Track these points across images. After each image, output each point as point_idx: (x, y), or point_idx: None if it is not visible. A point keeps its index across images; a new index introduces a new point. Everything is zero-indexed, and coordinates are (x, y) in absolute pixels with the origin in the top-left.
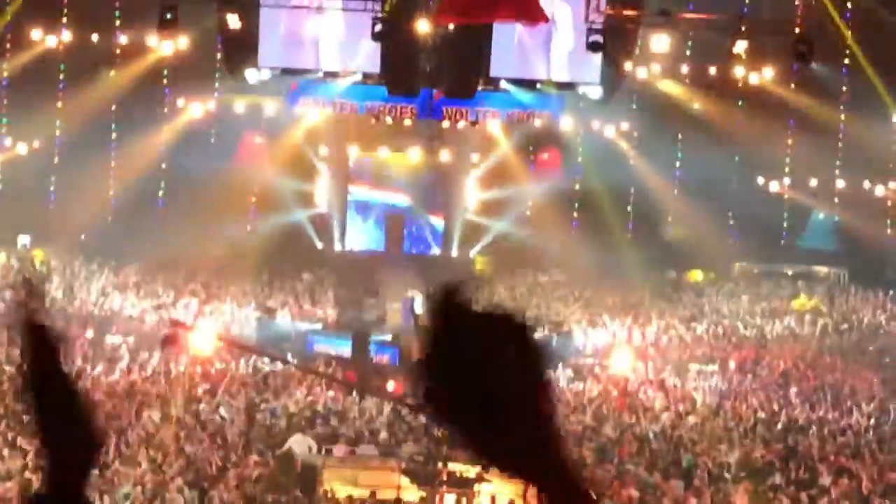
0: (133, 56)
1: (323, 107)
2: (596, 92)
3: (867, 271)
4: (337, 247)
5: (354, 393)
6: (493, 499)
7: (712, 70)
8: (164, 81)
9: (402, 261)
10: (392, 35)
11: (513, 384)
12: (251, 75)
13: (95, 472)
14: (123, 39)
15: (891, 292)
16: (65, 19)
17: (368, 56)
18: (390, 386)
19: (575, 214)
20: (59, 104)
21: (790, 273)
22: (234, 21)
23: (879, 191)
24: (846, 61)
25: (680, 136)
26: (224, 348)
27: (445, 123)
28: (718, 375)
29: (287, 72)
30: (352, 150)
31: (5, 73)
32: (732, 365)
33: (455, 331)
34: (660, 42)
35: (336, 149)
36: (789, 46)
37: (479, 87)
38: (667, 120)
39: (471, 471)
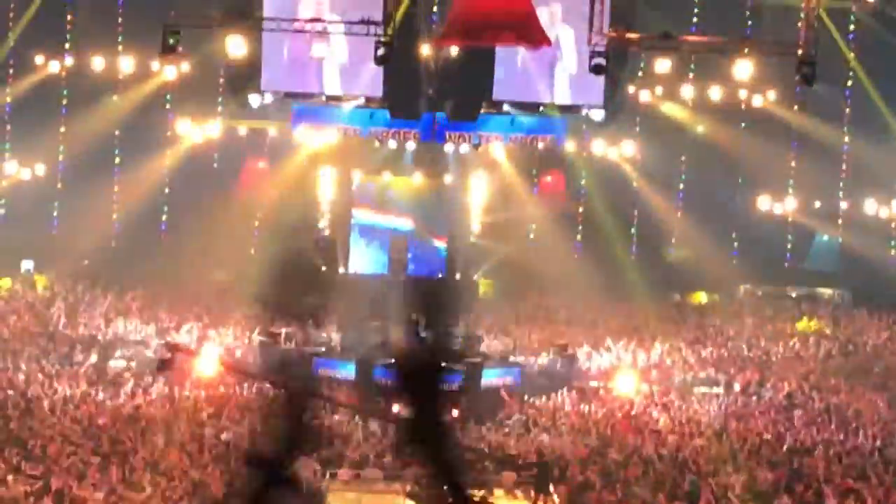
0: (136, 81)
1: (326, 131)
2: (599, 114)
3: (871, 293)
4: (341, 270)
5: (359, 416)
6: None
7: (715, 92)
8: (167, 106)
9: (405, 284)
10: (395, 59)
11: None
12: (254, 100)
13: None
14: (126, 64)
15: (895, 314)
16: (67, 44)
17: (371, 80)
18: (395, 408)
19: (578, 237)
20: (63, 129)
21: (794, 295)
22: (236, 45)
23: (883, 212)
24: (849, 83)
25: (683, 157)
26: (226, 372)
27: (448, 147)
28: (723, 397)
29: (290, 96)
30: (355, 173)
31: (8, 99)
32: (737, 387)
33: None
34: (662, 64)
35: (339, 172)
36: (792, 68)
37: (482, 111)
38: (670, 142)
39: (476, 494)
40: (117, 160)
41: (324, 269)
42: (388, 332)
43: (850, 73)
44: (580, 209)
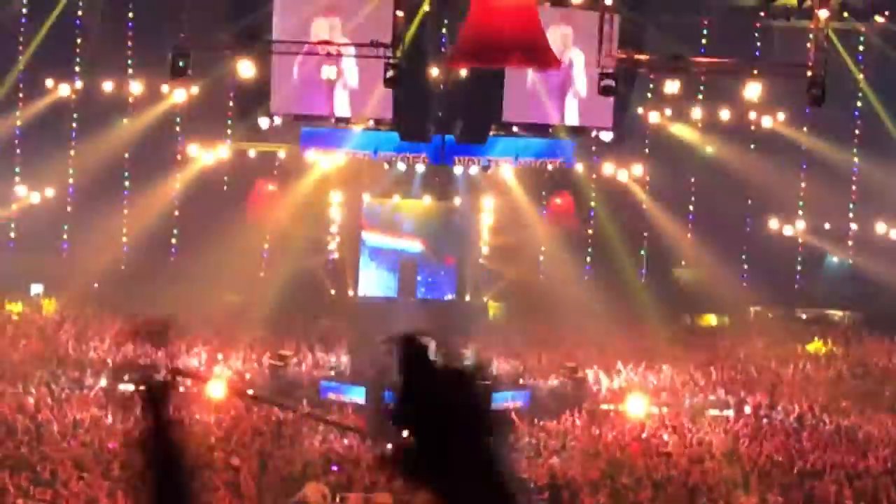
0: (145, 104)
1: (335, 154)
2: (608, 136)
3: (882, 315)
4: (350, 293)
5: (369, 440)
6: None
7: (725, 113)
8: (177, 129)
9: (415, 307)
10: (404, 81)
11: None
12: (263, 122)
13: None
14: (136, 87)
15: None
16: (77, 68)
17: (381, 102)
18: (405, 432)
19: (588, 259)
20: (72, 153)
21: (805, 317)
22: (246, 68)
23: (894, 234)
24: (859, 104)
25: (693, 179)
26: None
27: (458, 169)
28: (734, 420)
29: (300, 118)
30: (364, 196)
31: (19, 122)
32: (748, 409)
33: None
34: (671, 86)
35: (349, 195)
36: (801, 89)
37: (492, 133)
38: (679, 163)
39: None
40: (127, 183)
41: (333, 292)
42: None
43: (860, 94)
44: (590, 231)
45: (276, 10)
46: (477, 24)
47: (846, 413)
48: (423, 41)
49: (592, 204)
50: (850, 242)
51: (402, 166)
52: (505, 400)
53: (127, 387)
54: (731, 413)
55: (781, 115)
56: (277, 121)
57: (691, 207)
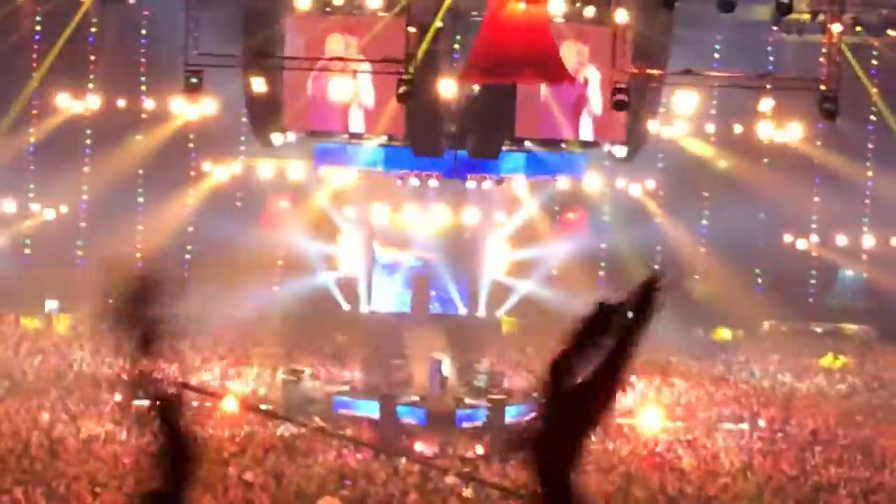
0: (159, 120)
1: (348, 170)
2: (621, 151)
3: None
4: (363, 308)
5: (382, 455)
6: None
7: (738, 128)
8: (190, 145)
9: (428, 322)
10: (417, 97)
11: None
12: (277, 139)
13: None
14: (149, 104)
15: None
16: (91, 85)
17: (393, 118)
18: (418, 447)
19: (601, 273)
20: (86, 169)
21: (819, 331)
22: (259, 85)
23: None
24: (872, 118)
25: (706, 194)
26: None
27: (471, 184)
28: (748, 434)
29: (313, 134)
30: (377, 211)
31: (32, 139)
32: (762, 423)
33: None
34: (685, 100)
35: (362, 210)
36: (815, 103)
37: (504, 148)
38: (693, 178)
39: None
40: (141, 199)
41: (346, 307)
42: (411, 371)
43: (873, 108)
44: (603, 246)
45: (288, 27)
46: (489, 39)
47: (861, 427)
48: (435, 57)
49: (606, 218)
50: (863, 256)
51: (414, 181)
52: (519, 414)
53: (142, 402)
54: (745, 427)
55: (794, 130)
56: (290, 137)
57: (704, 221)
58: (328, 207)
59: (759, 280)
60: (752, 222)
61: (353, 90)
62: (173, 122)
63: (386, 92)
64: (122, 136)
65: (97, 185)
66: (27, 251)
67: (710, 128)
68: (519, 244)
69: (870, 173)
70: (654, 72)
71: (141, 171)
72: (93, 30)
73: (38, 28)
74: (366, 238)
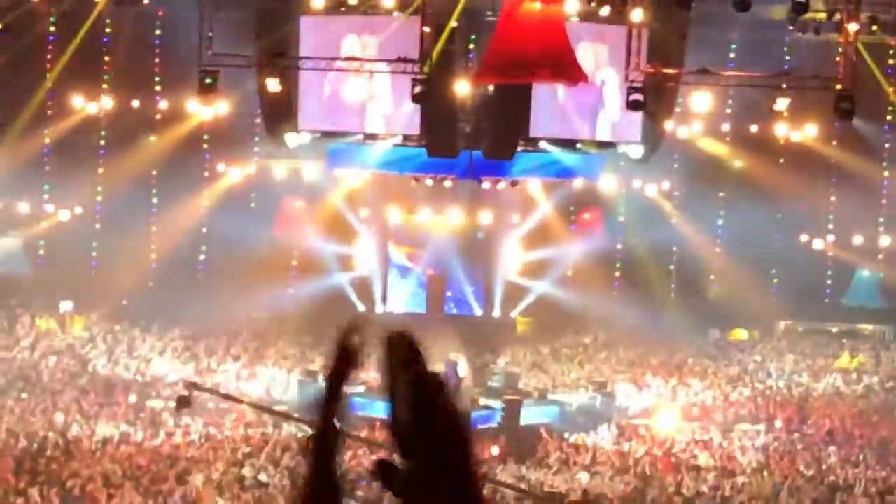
0: (173, 121)
1: (362, 170)
2: (637, 151)
3: None
4: (378, 309)
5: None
6: None
7: (754, 128)
8: (205, 146)
9: (443, 323)
10: (432, 97)
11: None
12: (291, 139)
13: None
14: (164, 105)
15: None
16: (105, 86)
17: (408, 118)
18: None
19: (617, 274)
20: (101, 170)
21: (835, 331)
22: (273, 85)
23: None
24: (889, 117)
25: (722, 194)
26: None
27: (486, 184)
28: (764, 435)
29: (327, 135)
30: (392, 212)
31: (47, 140)
32: (778, 424)
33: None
34: (700, 100)
35: (376, 211)
36: (831, 103)
37: (519, 148)
38: (708, 178)
39: None
40: (155, 200)
41: (361, 308)
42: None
43: (890, 108)
44: (618, 246)
45: (303, 28)
46: (504, 39)
47: (877, 427)
48: (450, 57)
49: (621, 218)
50: (879, 256)
51: (429, 182)
52: (534, 415)
53: (156, 403)
54: (761, 427)
55: (811, 129)
56: (305, 138)
57: (720, 222)
58: (342, 208)
59: (775, 280)
60: (767, 222)
61: (370, 90)
62: (187, 123)
63: (401, 92)
64: (137, 137)
65: (111, 186)
66: (42, 252)
67: (726, 127)
68: (534, 245)
69: (886, 173)
70: (670, 71)
71: (155, 172)
72: (107, 31)
73: (52, 29)
74: (380, 239)
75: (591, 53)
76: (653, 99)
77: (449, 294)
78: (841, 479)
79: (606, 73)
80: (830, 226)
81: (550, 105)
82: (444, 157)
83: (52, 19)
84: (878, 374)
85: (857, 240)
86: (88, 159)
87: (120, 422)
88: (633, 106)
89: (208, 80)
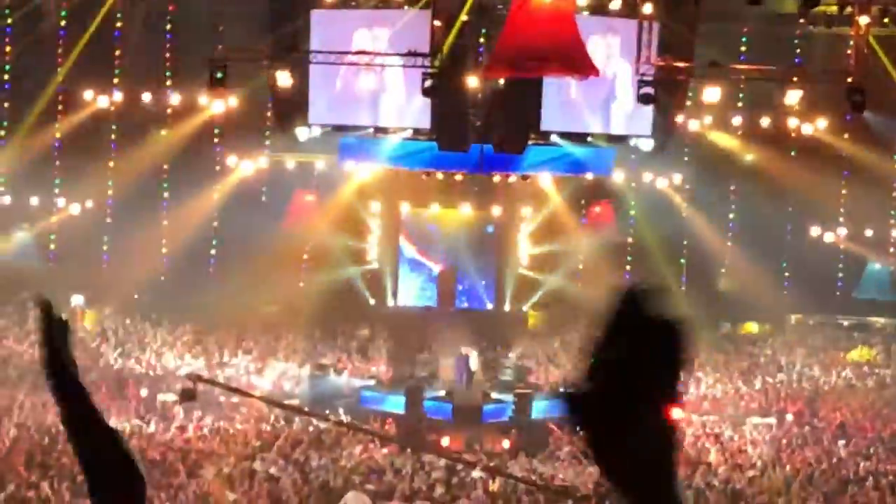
0: (184, 115)
1: (373, 164)
2: (648, 144)
3: None
4: (389, 303)
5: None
6: None
7: (765, 121)
8: (215, 140)
9: (454, 316)
10: (442, 90)
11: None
12: (302, 133)
13: None
14: (174, 99)
15: None
16: (116, 80)
17: (419, 111)
18: (444, 441)
19: (628, 267)
20: (111, 164)
21: (846, 324)
22: (284, 79)
23: None
24: None
25: (733, 187)
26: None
27: (496, 178)
28: (775, 428)
29: (338, 129)
30: (403, 206)
31: (58, 134)
32: (789, 417)
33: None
34: (711, 93)
35: (387, 205)
36: (842, 96)
37: (530, 142)
38: (719, 171)
39: None
40: (166, 194)
41: (372, 301)
42: (437, 365)
43: None
44: (629, 239)
45: (314, 21)
46: (515, 33)
47: (888, 420)
48: (461, 50)
49: (632, 212)
50: (891, 249)
51: (440, 176)
52: (546, 408)
53: (167, 397)
54: (772, 421)
55: (822, 122)
56: (316, 131)
57: (731, 215)
58: (353, 202)
59: (787, 273)
60: (778, 215)
61: (382, 84)
62: (198, 117)
63: (411, 86)
64: (147, 131)
65: (122, 180)
66: (53, 246)
67: (737, 121)
68: (544, 238)
69: None
70: (681, 65)
71: (166, 166)
72: (118, 24)
73: (63, 23)
74: (391, 233)
75: (602, 47)
76: (664, 92)
77: (460, 288)
78: (852, 472)
79: (618, 66)
80: (841, 219)
81: (561, 99)
82: (455, 151)
83: (62, 13)
84: (890, 367)
85: (869, 233)
86: (99, 153)
87: (131, 415)
88: (643, 99)
89: (219, 75)
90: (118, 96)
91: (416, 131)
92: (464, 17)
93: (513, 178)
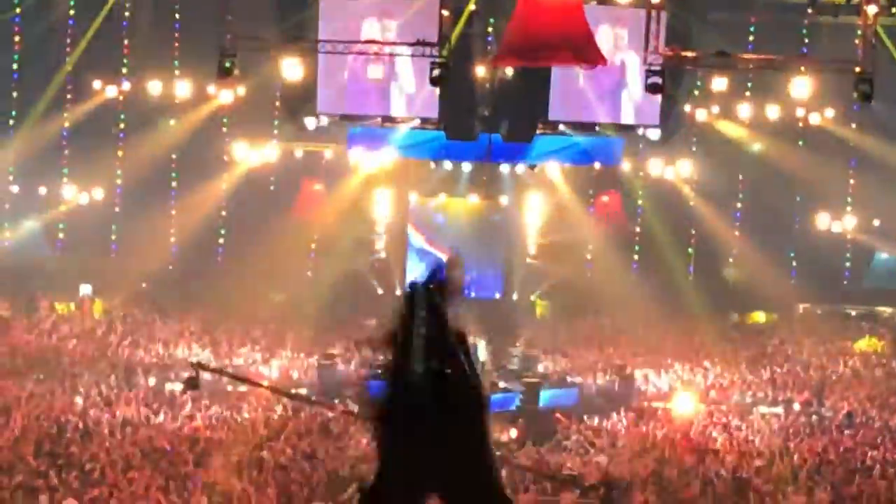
0: (192, 105)
1: (381, 153)
2: (655, 133)
3: None
4: (397, 292)
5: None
6: None
7: (772, 110)
8: (224, 129)
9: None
10: (450, 80)
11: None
12: (310, 122)
13: None
14: (183, 88)
15: None
16: (124, 69)
17: (427, 101)
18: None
19: (635, 257)
20: (120, 154)
21: (854, 314)
22: (292, 68)
23: None
24: None
25: (740, 176)
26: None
27: (504, 168)
28: (782, 417)
29: (346, 118)
30: (411, 195)
31: (66, 124)
32: (797, 406)
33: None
34: (719, 83)
35: (395, 194)
36: (850, 85)
37: (538, 131)
38: (727, 161)
39: None
40: (174, 184)
41: (380, 291)
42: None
43: None
44: (637, 229)
45: (322, 10)
46: (523, 22)
47: (895, 409)
48: (469, 40)
49: (640, 202)
50: None
51: (448, 165)
52: (553, 398)
53: (175, 386)
54: (779, 410)
55: (829, 112)
56: (324, 121)
57: (739, 205)
58: (362, 191)
59: (794, 263)
60: (786, 205)
61: (391, 73)
62: (207, 106)
63: (419, 76)
64: (156, 121)
65: (131, 170)
66: (61, 236)
67: (745, 110)
68: (552, 228)
69: None
70: (689, 54)
71: (174, 156)
72: (126, 14)
73: (71, 12)
74: (399, 222)
75: (611, 36)
76: (671, 82)
77: (467, 277)
78: (860, 461)
79: (627, 55)
80: (849, 208)
81: (569, 88)
82: (463, 141)
83: (71, 2)
84: None
85: (876, 222)
86: (108, 143)
87: (139, 405)
88: (651, 89)
89: (227, 64)
90: (126, 86)
91: (424, 121)
92: (472, 7)
93: (520, 168)
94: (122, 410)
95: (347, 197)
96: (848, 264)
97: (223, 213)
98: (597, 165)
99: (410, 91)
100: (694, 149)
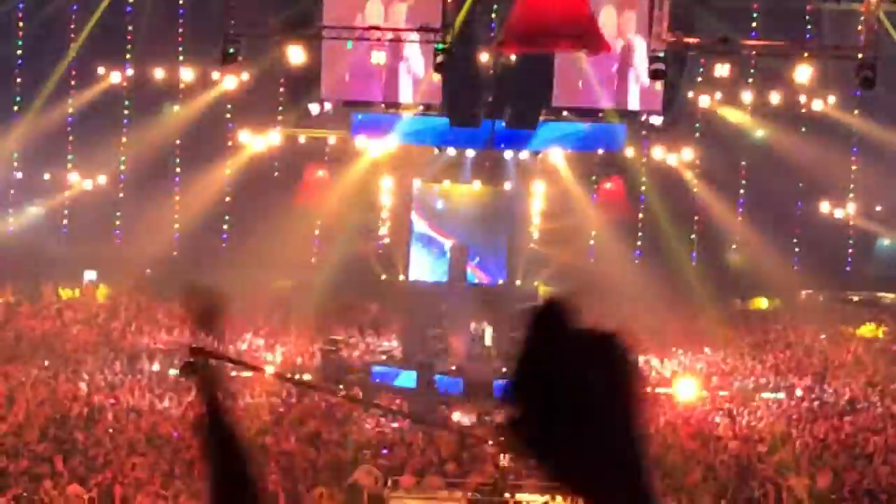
0: (196, 91)
1: (385, 139)
2: (658, 119)
3: None
4: (401, 278)
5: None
6: None
7: (775, 96)
8: (228, 115)
9: (465, 291)
10: (454, 66)
11: (605, 404)
12: (314, 108)
13: None
14: (187, 74)
15: None
16: (128, 55)
17: (430, 87)
18: (455, 416)
19: (639, 243)
20: (124, 139)
21: (856, 300)
22: (296, 54)
23: None
24: None
25: (743, 162)
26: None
27: (508, 154)
28: (785, 403)
29: (350, 104)
30: (415, 181)
31: (71, 110)
32: (799, 392)
33: (553, 349)
34: (722, 69)
35: (399, 180)
36: (852, 72)
37: (541, 118)
38: (730, 147)
39: (538, 500)
40: (178, 170)
41: (384, 277)
42: (449, 340)
43: None
44: (640, 215)
45: None
46: (526, 8)
47: None
48: (472, 26)
49: (643, 188)
50: None
51: (452, 151)
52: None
53: (177, 372)
54: (782, 396)
55: (832, 98)
56: (328, 107)
57: (742, 191)
58: (365, 177)
59: (797, 249)
60: (789, 191)
61: (395, 59)
62: (211, 92)
63: (423, 61)
64: (160, 107)
65: (135, 156)
66: (65, 221)
67: (748, 96)
68: (555, 214)
69: None
70: (692, 40)
71: (178, 142)
72: (130, 0)
73: None
74: (403, 208)
75: (615, 19)
76: (674, 68)
77: (471, 263)
78: (861, 446)
79: (635, 39)
80: (851, 194)
81: (572, 74)
82: (467, 127)
83: None
84: None
85: (879, 208)
86: (112, 129)
87: (144, 391)
88: (654, 75)
89: (231, 50)
90: (130, 72)
91: (428, 107)
92: None
93: (524, 154)
94: (127, 396)
95: (351, 183)
96: (850, 250)
97: (227, 199)
98: (600, 152)
99: (414, 77)
100: (697, 135)
